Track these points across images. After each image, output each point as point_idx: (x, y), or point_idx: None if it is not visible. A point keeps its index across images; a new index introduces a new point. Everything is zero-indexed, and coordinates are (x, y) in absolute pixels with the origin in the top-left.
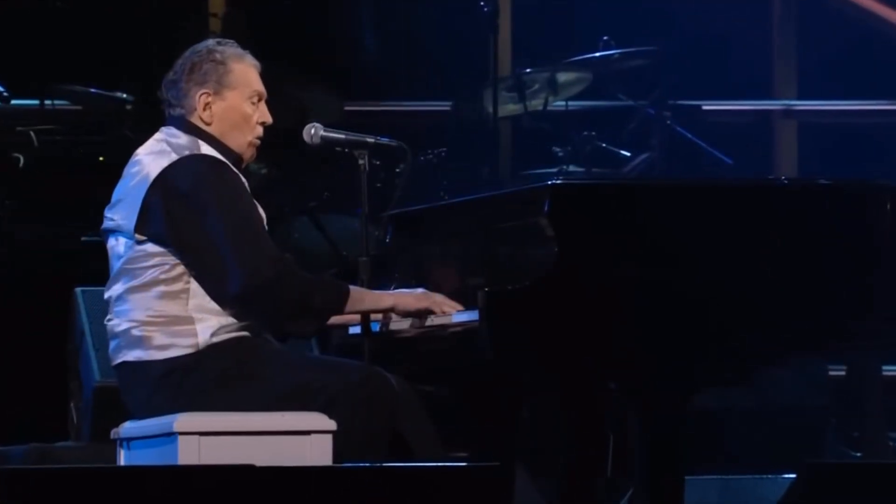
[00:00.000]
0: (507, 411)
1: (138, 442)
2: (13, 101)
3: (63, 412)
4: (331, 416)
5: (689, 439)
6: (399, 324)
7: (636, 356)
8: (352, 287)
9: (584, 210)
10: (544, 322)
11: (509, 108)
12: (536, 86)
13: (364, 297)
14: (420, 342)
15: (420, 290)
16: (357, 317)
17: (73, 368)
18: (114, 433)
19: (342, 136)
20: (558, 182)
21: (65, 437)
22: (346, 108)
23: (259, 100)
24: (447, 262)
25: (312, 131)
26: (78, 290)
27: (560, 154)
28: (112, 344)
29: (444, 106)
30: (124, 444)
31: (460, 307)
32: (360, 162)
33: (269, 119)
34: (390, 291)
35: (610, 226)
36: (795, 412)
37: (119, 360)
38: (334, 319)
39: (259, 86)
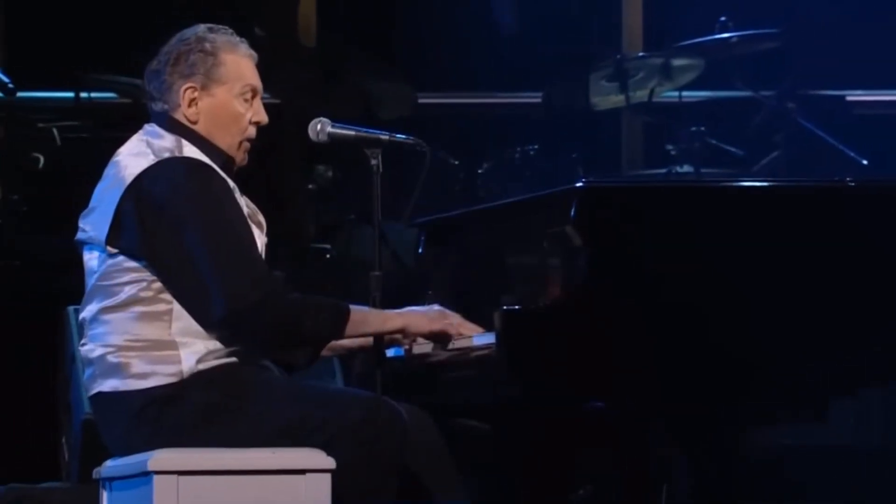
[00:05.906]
0: (536, 452)
1: (118, 482)
2: (40, 94)
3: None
4: (329, 454)
5: (746, 483)
6: (422, 347)
7: (682, 385)
8: (354, 308)
9: (616, 216)
10: (571, 346)
11: (610, 99)
12: (641, 74)
13: (368, 319)
14: (443, 369)
15: (436, 307)
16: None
17: (63, 399)
18: (96, 472)
19: (352, 133)
20: (585, 184)
21: (57, 477)
22: (420, 101)
23: (253, 96)
24: (478, 276)
25: (318, 127)
26: (70, 308)
27: (673, 152)
28: (87, 372)
29: (534, 98)
30: (106, 484)
31: (479, 329)
32: (373, 162)
33: (264, 118)
34: (400, 311)
35: (647, 234)
36: (875, 451)
37: (94, 391)
38: (352, 344)
39: (254, 79)
